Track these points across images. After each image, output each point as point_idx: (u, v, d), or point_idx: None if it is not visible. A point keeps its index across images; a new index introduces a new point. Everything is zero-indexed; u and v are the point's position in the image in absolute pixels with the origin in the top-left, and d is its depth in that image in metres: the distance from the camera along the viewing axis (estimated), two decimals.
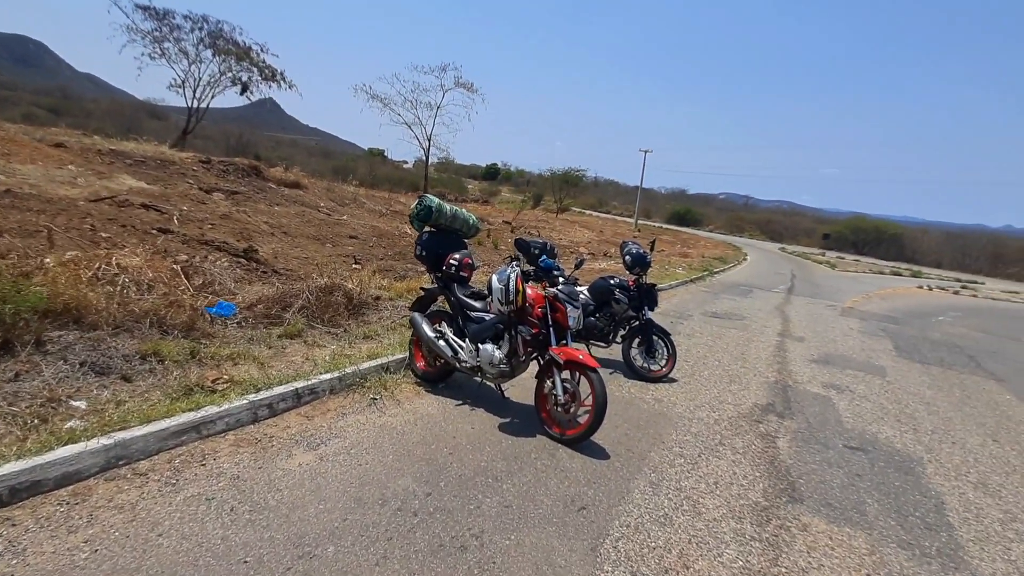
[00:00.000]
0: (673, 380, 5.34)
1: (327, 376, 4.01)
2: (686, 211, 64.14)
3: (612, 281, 5.62)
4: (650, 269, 5.73)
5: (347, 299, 6.01)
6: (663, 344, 5.46)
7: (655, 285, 5.74)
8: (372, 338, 5.17)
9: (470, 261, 4.29)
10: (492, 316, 3.93)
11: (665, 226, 49.40)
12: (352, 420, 3.58)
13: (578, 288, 5.67)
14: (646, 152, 44.84)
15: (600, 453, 3.48)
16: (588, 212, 51.59)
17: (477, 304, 4.14)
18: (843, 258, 37.07)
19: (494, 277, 3.75)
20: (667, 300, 10.46)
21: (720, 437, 4.04)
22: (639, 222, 43.47)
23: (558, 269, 5.74)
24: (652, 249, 5.83)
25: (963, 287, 25.37)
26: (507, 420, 3.86)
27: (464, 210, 4.80)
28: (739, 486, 3.28)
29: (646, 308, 5.49)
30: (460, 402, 4.12)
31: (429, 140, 30.84)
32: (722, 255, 23.88)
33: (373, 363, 4.42)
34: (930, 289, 22.31)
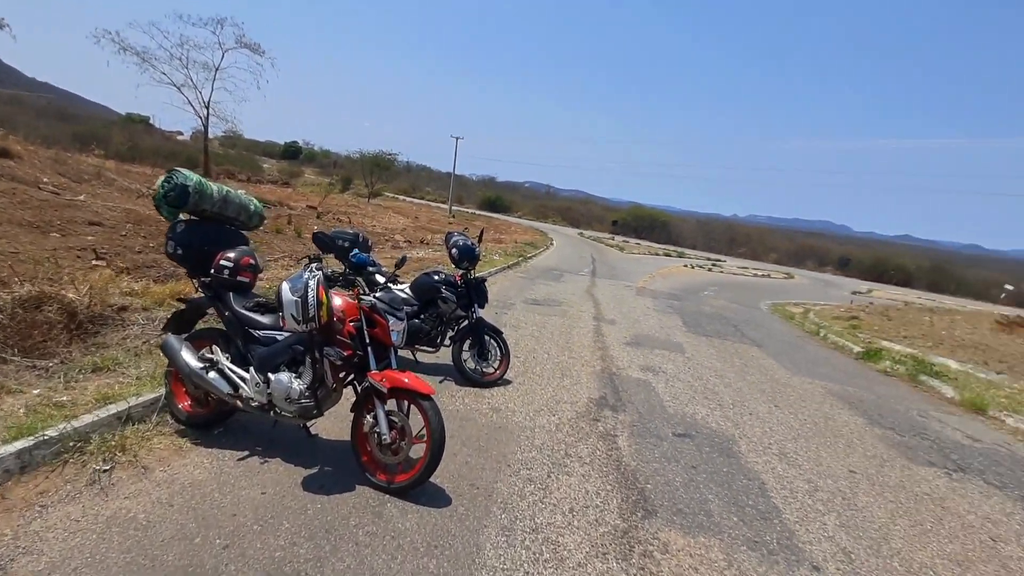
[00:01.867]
0: (508, 382, 4.94)
1: (15, 446, 2.57)
2: (497, 198, 66.67)
3: (437, 277, 4.97)
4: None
5: (67, 314, 4.26)
6: (495, 344, 5.02)
7: (484, 280, 5.26)
8: (107, 370, 3.66)
9: (252, 261, 3.19)
10: (287, 335, 2.95)
11: (478, 212, 50.57)
12: (57, 517, 2.30)
13: (400, 287, 4.88)
14: (457, 139, 45.11)
15: (439, 498, 2.82)
16: (402, 198, 50.03)
17: (265, 319, 3.09)
18: (628, 241, 42.51)
19: (285, 287, 2.77)
20: (488, 288, 10.26)
21: (565, 447, 3.72)
22: (453, 208, 43.66)
23: (374, 264, 4.85)
24: (480, 240, 5.32)
25: (713, 265, 31.05)
26: (315, 471, 2.94)
27: (242, 192, 3.62)
28: (595, 508, 2.95)
29: (476, 306, 4.98)
30: (246, 453, 3.04)
31: (207, 107, 25.99)
32: (532, 240, 25.11)
33: (103, 412, 3.04)
34: (693, 267, 26.71)
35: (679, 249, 42.56)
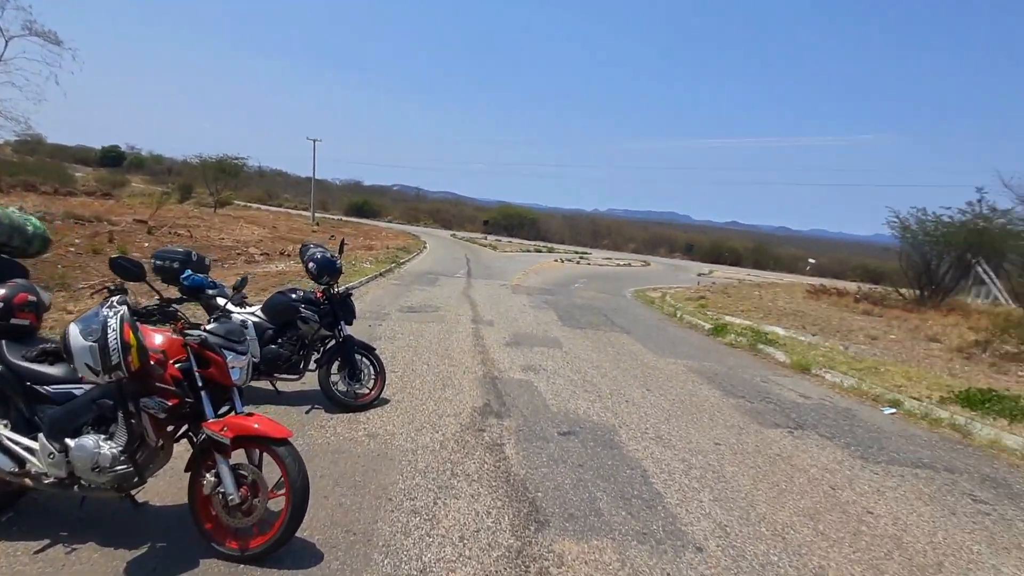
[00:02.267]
0: (385, 401, 4.59)
1: None
2: (364, 202, 63.97)
3: (295, 295, 4.44)
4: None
5: None
6: (368, 362, 4.63)
7: (350, 294, 4.82)
8: None
9: (31, 297, 2.50)
10: (89, 388, 2.34)
11: (345, 218, 48.03)
12: None
13: (247, 312, 4.28)
14: (315, 141, 42.31)
15: (308, 556, 2.44)
16: (255, 206, 45.66)
17: (56, 371, 2.43)
18: (500, 240, 43.37)
19: (73, 330, 2.17)
20: (360, 299, 9.62)
21: (451, 465, 3.50)
22: (316, 215, 40.92)
23: (214, 286, 4.20)
24: (341, 252, 4.87)
25: (581, 258, 32.89)
26: (143, 552, 2.38)
27: (15, 210, 2.85)
28: (487, 531, 2.78)
29: (342, 323, 4.54)
30: (45, 543, 2.37)
31: None
32: (405, 245, 24.41)
33: None
34: (562, 262, 28.02)
35: (549, 244, 44.43)
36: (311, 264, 4.57)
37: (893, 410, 5.77)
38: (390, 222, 55.55)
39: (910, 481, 3.94)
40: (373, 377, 4.60)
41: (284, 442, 2.36)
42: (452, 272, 16.60)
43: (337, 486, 3.10)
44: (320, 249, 4.73)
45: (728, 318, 12.52)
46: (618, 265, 31.24)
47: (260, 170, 63.17)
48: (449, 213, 68.54)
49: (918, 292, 18.51)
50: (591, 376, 6.06)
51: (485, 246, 33.96)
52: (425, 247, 26.35)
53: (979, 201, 16.36)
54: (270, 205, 52.27)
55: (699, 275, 30.29)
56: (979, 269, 18.75)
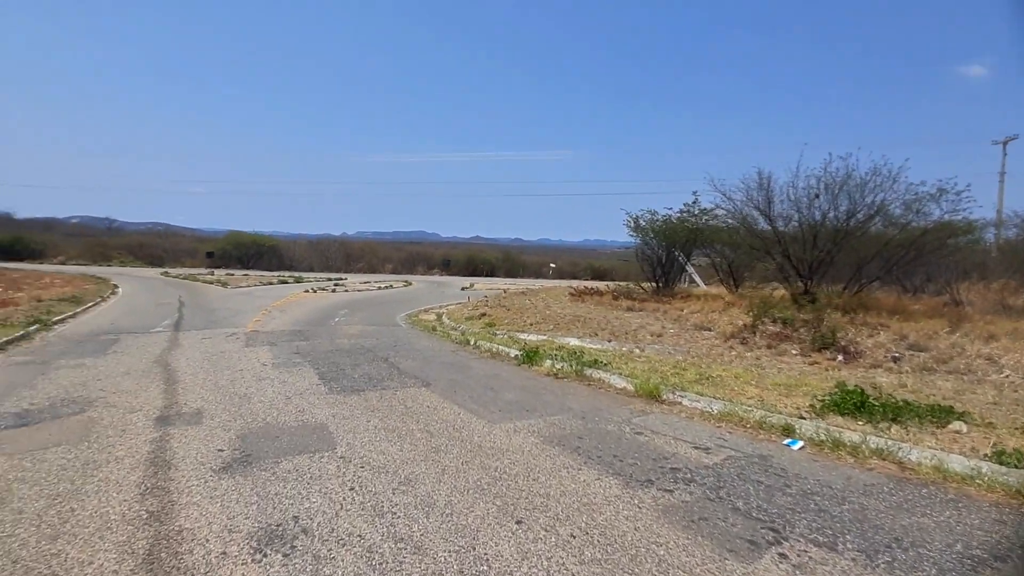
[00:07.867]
0: None
1: None
2: (15, 240, 46.04)
3: None
4: None
5: None
6: None
7: None
8: None
9: None
10: None
11: None
12: None
13: None
14: None
15: None
16: None
17: None
18: (232, 274, 35.70)
19: None
20: None
21: None
22: None
23: None
24: None
25: (336, 284, 28.85)
26: None
27: None
28: None
29: None
30: None
31: None
32: (77, 293, 16.90)
33: None
34: (315, 291, 23.69)
35: (296, 274, 38.59)
36: None
37: (800, 444, 4.46)
38: (62, 264, 41.32)
39: None
40: None
41: None
42: (149, 326, 11.31)
43: None
44: None
45: (523, 336, 10.95)
46: (379, 288, 28.29)
47: None
48: (158, 247, 54.85)
49: (655, 284, 20.61)
50: (406, 517, 3.17)
51: (211, 283, 26.94)
52: (116, 292, 18.95)
53: (694, 203, 18.86)
54: None
55: (463, 289, 29.49)
56: (683, 261, 21.84)
